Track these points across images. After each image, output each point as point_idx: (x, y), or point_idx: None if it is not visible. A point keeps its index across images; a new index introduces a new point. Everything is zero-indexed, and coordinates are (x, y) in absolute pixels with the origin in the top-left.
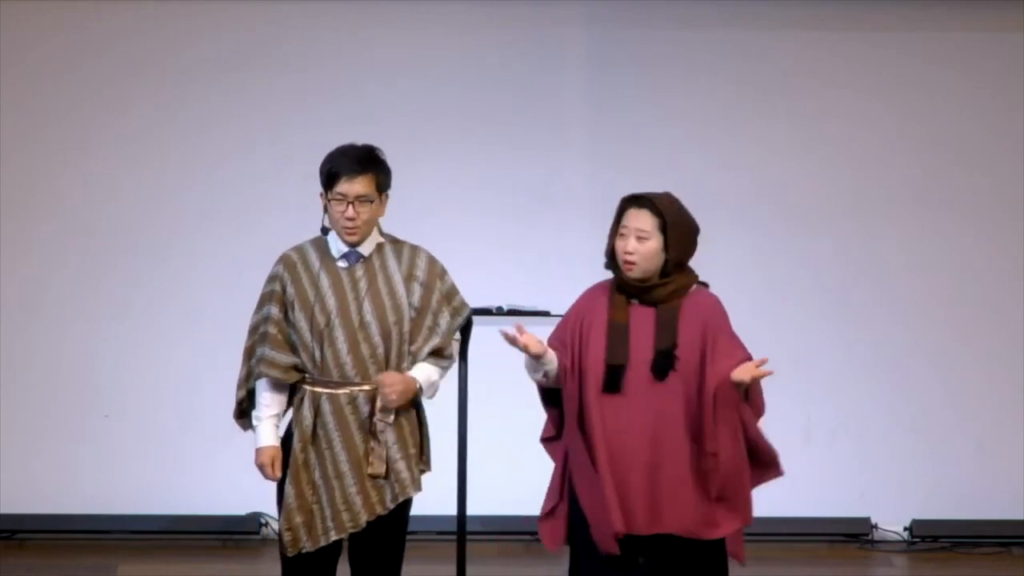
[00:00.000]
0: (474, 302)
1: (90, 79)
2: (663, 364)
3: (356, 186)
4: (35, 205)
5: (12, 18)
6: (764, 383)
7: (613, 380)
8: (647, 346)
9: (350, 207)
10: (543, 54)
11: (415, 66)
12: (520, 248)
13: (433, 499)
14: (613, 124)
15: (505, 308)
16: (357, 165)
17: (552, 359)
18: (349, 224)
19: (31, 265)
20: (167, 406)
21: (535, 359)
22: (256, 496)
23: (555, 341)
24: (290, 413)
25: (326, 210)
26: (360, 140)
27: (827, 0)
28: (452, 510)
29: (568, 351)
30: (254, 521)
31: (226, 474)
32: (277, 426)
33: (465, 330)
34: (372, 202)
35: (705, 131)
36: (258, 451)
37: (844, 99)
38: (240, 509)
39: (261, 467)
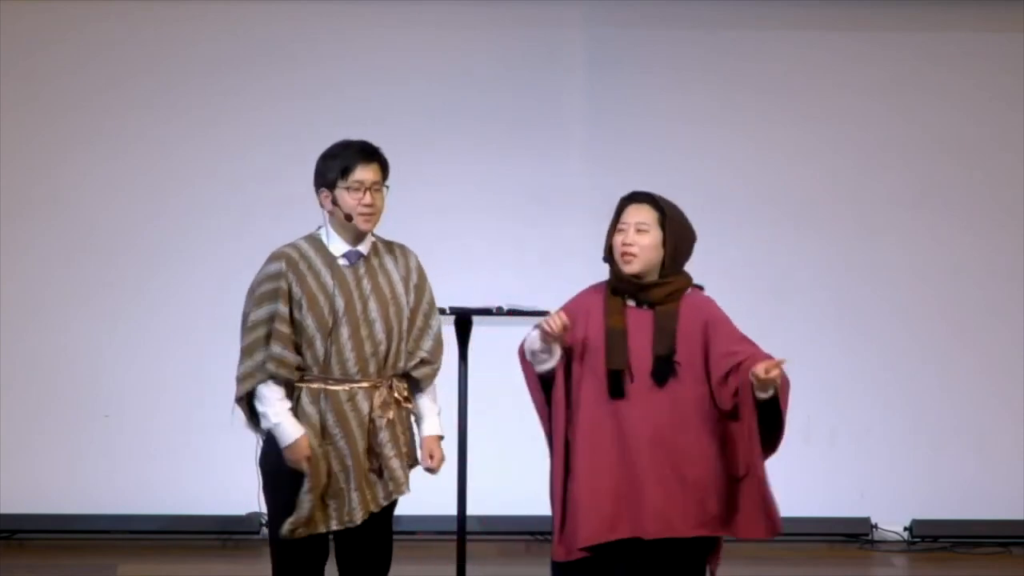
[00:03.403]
0: (474, 302)
1: (90, 79)
2: (662, 370)
3: (371, 173)
4: (35, 205)
5: (12, 18)
6: None
7: (616, 386)
8: (646, 351)
9: (367, 194)
10: (543, 54)
11: (416, 66)
12: (520, 248)
13: (433, 499)
14: (613, 124)
15: (505, 308)
16: (368, 154)
17: (558, 350)
18: (368, 210)
19: (31, 265)
20: (167, 406)
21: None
22: (256, 496)
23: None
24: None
25: (335, 203)
26: (360, 140)
27: (827, 0)
28: (452, 510)
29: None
30: (254, 521)
31: (226, 474)
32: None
33: (465, 330)
34: (382, 190)
35: (705, 131)
36: (293, 446)
37: (844, 99)
38: (240, 509)
39: (298, 462)
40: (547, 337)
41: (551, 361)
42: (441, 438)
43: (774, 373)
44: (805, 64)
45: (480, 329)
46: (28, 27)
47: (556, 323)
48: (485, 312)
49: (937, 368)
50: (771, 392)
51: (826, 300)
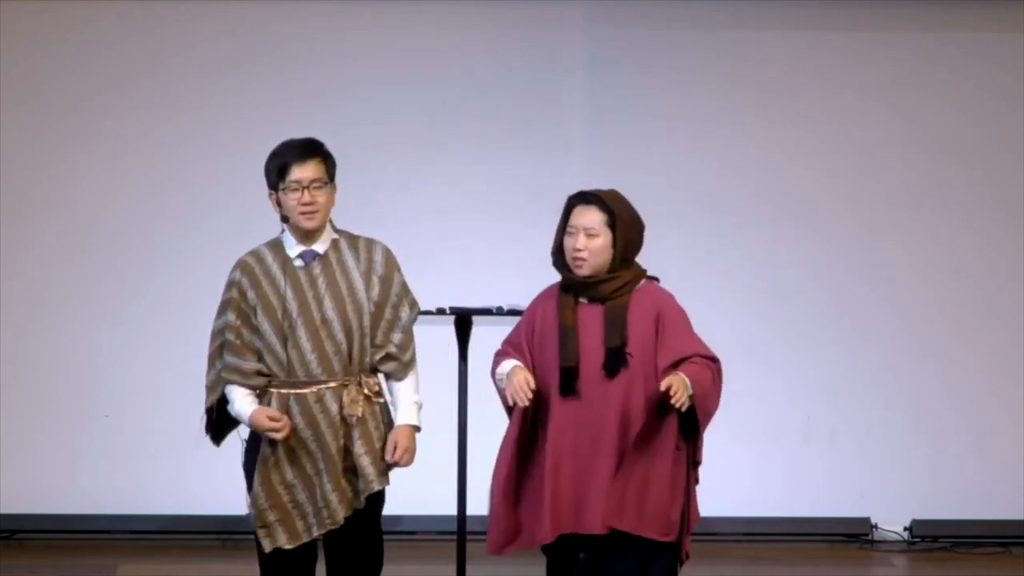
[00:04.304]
0: (474, 302)
1: (90, 80)
2: (613, 362)
3: (308, 171)
4: (35, 205)
5: (12, 18)
6: (764, 382)
7: (568, 383)
8: (597, 345)
9: (305, 192)
10: (543, 54)
11: (416, 67)
12: (520, 248)
13: (433, 499)
14: (613, 124)
15: (505, 308)
16: (305, 151)
17: None
18: (307, 209)
19: (31, 265)
20: (167, 406)
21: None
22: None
23: (508, 346)
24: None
25: (280, 205)
26: (361, 141)
27: (827, 0)
28: (452, 510)
29: (521, 356)
30: (254, 521)
31: (226, 474)
32: (255, 398)
33: (465, 330)
34: (325, 187)
35: (705, 131)
36: (252, 423)
37: (844, 99)
38: (240, 509)
39: (268, 430)
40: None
41: None
42: (416, 429)
43: (676, 398)
44: (805, 64)
45: (480, 329)
46: (28, 27)
47: (523, 400)
48: (485, 312)
49: (937, 368)
50: (688, 403)
51: (826, 300)
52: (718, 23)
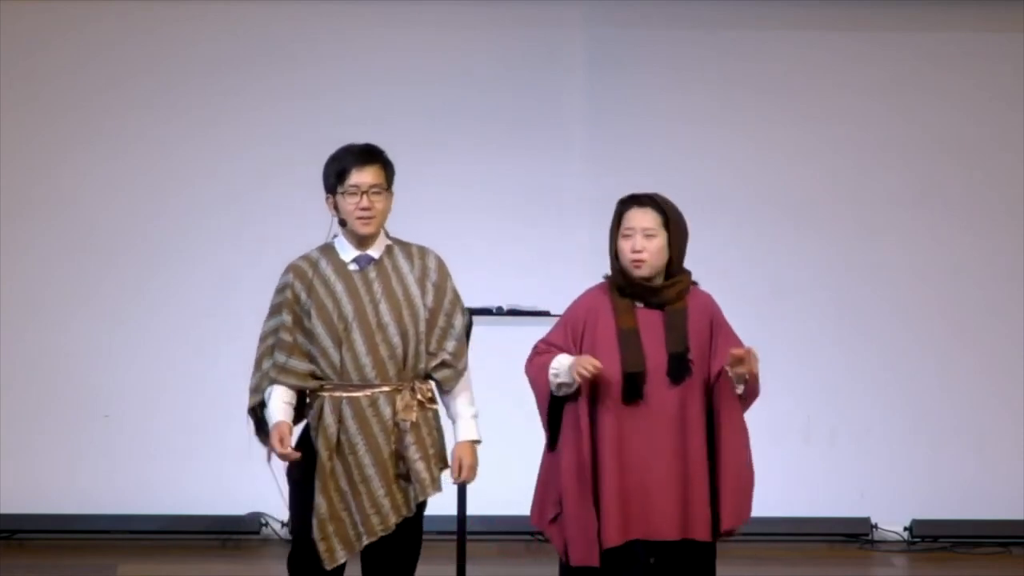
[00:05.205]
0: (474, 302)
1: (90, 80)
2: (678, 368)
3: (367, 176)
4: (35, 205)
5: (12, 18)
6: (765, 382)
7: (634, 389)
8: (659, 350)
9: (364, 197)
10: (543, 54)
11: (416, 67)
12: (520, 248)
13: (433, 499)
14: (613, 124)
15: (505, 308)
16: (365, 156)
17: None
18: (365, 214)
19: (31, 265)
20: (167, 406)
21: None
22: (256, 496)
23: (550, 346)
24: (305, 422)
25: (337, 208)
26: (361, 141)
27: (827, 0)
28: (452, 510)
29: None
30: (254, 521)
31: (226, 474)
32: (290, 407)
33: (465, 330)
34: (383, 193)
35: (705, 131)
36: (274, 428)
37: (844, 99)
38: (240, 509)
39: (274, 447)
40: (583, 380)
41: (574, 386)
42: (476, 442)
43: (748, 366)
44: (805, 64)
45: (480, 329)
46: (28, 27)
47: (590, 370)
48: (485, 312)
49: (937, 368)
50: (740, 389)
51: (826, 300)
52: (718, 23)
